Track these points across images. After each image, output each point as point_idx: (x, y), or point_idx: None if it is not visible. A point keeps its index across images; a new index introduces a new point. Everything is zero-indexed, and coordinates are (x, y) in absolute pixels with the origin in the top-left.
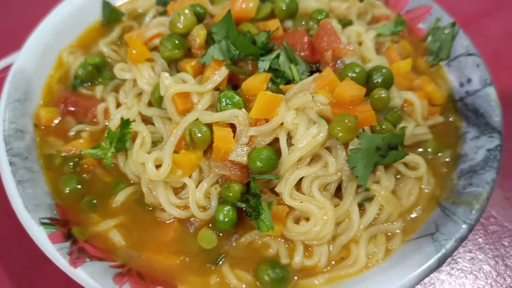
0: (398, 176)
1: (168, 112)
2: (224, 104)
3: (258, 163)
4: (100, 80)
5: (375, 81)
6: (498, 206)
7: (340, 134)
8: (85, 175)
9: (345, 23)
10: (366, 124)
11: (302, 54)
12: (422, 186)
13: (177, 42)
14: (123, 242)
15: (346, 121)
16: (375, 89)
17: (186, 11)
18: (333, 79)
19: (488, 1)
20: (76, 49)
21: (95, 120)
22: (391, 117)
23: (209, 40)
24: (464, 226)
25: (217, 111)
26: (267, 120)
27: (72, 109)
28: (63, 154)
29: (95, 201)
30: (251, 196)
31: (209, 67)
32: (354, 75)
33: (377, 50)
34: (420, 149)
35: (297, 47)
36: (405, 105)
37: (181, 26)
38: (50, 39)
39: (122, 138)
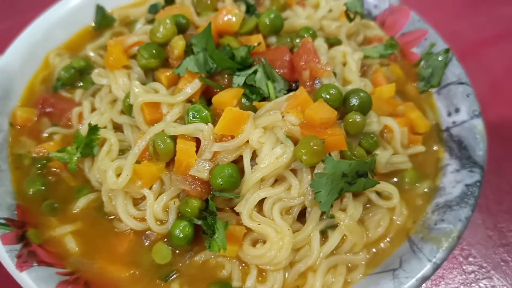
0: (368, 205)
1: (136, 120)
2: (191, 117)
3: (219, 180)
4: (82, 83)
5: (352, 105)
6: (479, 245)
7: (304, 157)
8: (51, 178)
9: (333, 42)
10: (335, 149)
11: (282, 71)
12: (394, 217)
13: (154, 51)
14: (77, 249)
15: (312, 144)
16: (350, 113)
17: (167, 21)
18: (306, 99)
19: (489, 31)
20: (64, 51)
21: (70, 123)
22: (366, 143)
23: (189, 51)
24: (428, 265)
25: (185, 124)
26: (233, 137)
27: (49, 110)
28: (33, 155)
29: (56, 205)
30: (208, 214)
31: (183, 79)
32: (328, 96)
33: (364, 73)
34: (396, 179)
35: (277, 64)
36: (385, 131)
37: (160, 36)
38: (39, 40)
39: (90, 144)
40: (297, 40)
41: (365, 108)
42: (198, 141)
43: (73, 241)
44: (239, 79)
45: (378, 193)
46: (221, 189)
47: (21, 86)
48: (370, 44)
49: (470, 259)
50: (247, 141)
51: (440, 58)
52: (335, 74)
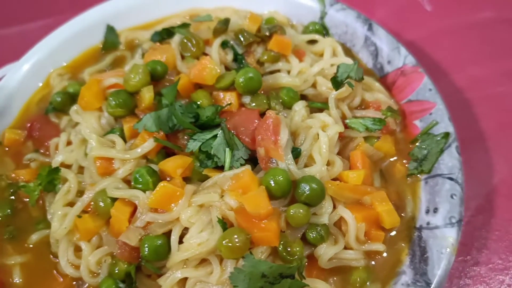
0: None
1: (89, 171)
2: (134, 180)
3: (146, 251)
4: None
5: (300, 194)
6: None
7: (223, 250)
8: (18, 204)
9: (319, 107)
10: (264, 244)
11: (245, 138)
12: None
13: (121, 100)
14: (20, 281)
15: (235, 238)
16: (293, 205)
17: (139, 70)
18: (247, 184)
19: None
20: (66, 71)
21: (48, 152)
22: (310, 236)
23: (159, 101)
24: None
25: (132, 183)
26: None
27: (35, 134)
28: (8, 181)
29: (15, 232)
30: (128, 281)
31: (140, 135)
32: (273, 184)
33: (345, 146)
34: (339, 277)
35: (241, 129)
36: (342, 221)
37: (131, 84)
38: (45, 58)
39: (51, 182)
40: (275, 102)
41: (314, 200)
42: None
43: (19, 273)
44: (194, 144)
45: None
46: (147, 259)
47: (19, 104)
48: (367, 109)
49: None
50: (179, 218)
51: (437, 141)
52: (299, 151)
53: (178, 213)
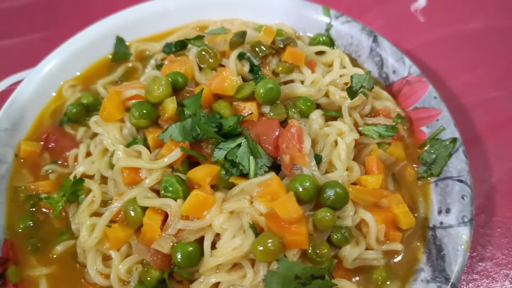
0: None
1: (116, 181)
2: (163, 189)
3: (179, 257)
4: (86, 120)
5: (326, 198)
6: None
7: (257, 254)
8: (39, 216)
9: (333, 115)
10: (295, 247)
11: (267, 146)
12: None
13: (145, 111)
14: None
15: (269, 242)
16: (321, 209)
17: (162, 82)
18: (276, 190)
19: None
20: (78, 82)
21: (66, 163)
22: (335, 238)
23: (182, 111)
24: None
25: (160, 192)
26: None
27: (51, 146)
28: (28, 192)
29: (39, 244)
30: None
31: (166, 145)
32: (301, 189)
33: (360, 151)
34: (362, 276)
35: (263, 138)
36: (362, 223)
37: (154, 95)
38: (56, 69)
39: (75, 192)
40: (293, 111)
41: (339, 204)
42: (167, 215)
43: (45, 284)
44: (220, 153)
45: None
46: (180, 265)
47: (32, 117)
48: (377, 116)
49: None
50: (211, 224)
51: (445, 146)
52: (320, 157)
53: (211, 220)
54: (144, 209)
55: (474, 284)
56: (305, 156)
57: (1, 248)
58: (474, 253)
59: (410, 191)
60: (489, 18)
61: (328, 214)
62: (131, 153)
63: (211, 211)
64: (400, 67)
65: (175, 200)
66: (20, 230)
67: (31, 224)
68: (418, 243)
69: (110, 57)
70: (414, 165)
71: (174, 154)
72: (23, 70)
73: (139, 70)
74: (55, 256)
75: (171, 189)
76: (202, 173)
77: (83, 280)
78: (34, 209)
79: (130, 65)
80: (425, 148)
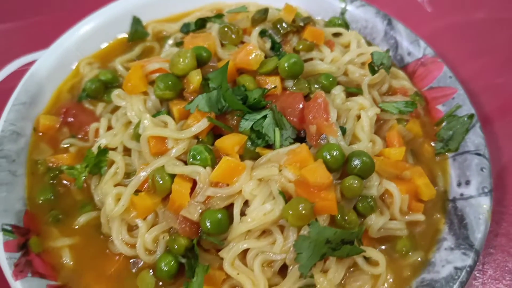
0: (352, 269)
1: (142, 151)
2: (191, 157)
3: (208, 224)
4: (105, 96)
5: (353, 167)
6: None
7: (290, 218)
8: (60, 189)
9: (353, 91)
10: (325, 213)
11: (292, 119)
12: (377, 285)
13: (170, 83)
14: (71, 263)
15: (300, 207)
16: (348, 177)
17: (187, 55)
18: (305, 157)
19: None
20: (95, 60)
21: (87, 137)
22: (362, 207)
23: (205, 85)
24: None
25: (187, 161)
26: (228, 184)
27: (70, 120)
28: (48, 164)
29: (60, 216)
30: (191, 255)
31: (192, 115)
32: (329, 157)
33: (380, 127)
34: (387, 245)
35: (288, 111)
36: (386, 194)
37: (179, 68)
38: (73, 48)
39: (98, 164)
40: (316, 86)
41: (366, 172)
42: (195, 181)
43: (69, 255)
44: (246, 123)
45: (366, 257)
46: (209, 232)
47: (49, 92)
48: (394, 95)
49: None
50: (241, 191)
51: (463, 123)
52: (344, 130)
53: (240, 186)
54: (173, 177)
55: (490, 257)
56: (332, 124)
57: (22, 219)
58: (489, 229)
59: (429, 166)
60: (490, 10)
61: (356, 181)
62: (157, 123)
63: (241, 178)
64: (414, 49)
65: (204, 168)
66: (40, 202)
67: (52, 197)
68: (439, 215)
69: (127, 36)
70: (432, 143)
71: (202, 124)
72: (35, 51)
73: (156, 49)
74: (77, 227)
75: (199, 157)
76: (231, 141)
77: (107, 250)
78: (54, 181)
79: (147, 44)
80: (442, 125)
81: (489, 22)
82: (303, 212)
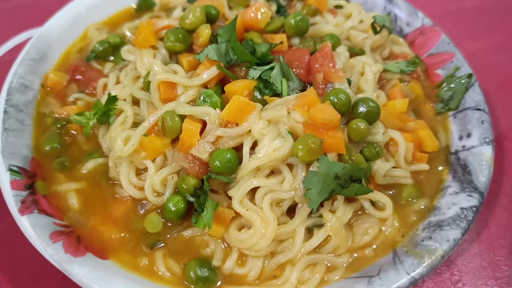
0: (360, 212)
1: (152, 97)
2: (202, 100)
3: (217, 163)
4: (113, 58)
5: (359, 112)
6: (471, 273)
7: (300, 153)
8: (67, 138)
9: (356, 52)
10: (333, 151)
11: (298, 71)
12: (383, 228)
13: (180, 36)
14: (77, 206)
15: (310, 141)
16: (355, 120)
17: (197, 9)
18: (313, 99)
19: None
20: (104, 26)
21: (95, 92)
22: (368, 152)
23: (214, 41)
24: (405, 278)
25: (197, 104)
26: (237, 125)
27: (79, 77)
28: (55, 115)
29: (67, 163)
30: (201, 192)
31: (202, 65)
32: (336, 100)
33: (382, 86)
34: (393, 191)
35: (295, 64)
36: (391, 143)
37: (188, 22)
38: (82, 13)
39: (107, 112)
40: (320, 45)
41: (372, 117)
42: (204, 124)
43: (75, 198)
44: (254, 72)
45: (372, 202)
46: (218, 171)
47: (58, 52)
48: (394, 60)
49: (459, 285)
50: (250, 130)
51: (462, 82)
52: (350, 81)
53: (250, 126)
54: (182, 119)
55: (491, 216)
56: (339, 70)
57: (29, 164)
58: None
59: (430, 124)
60: None
61: (363, 124)
62: (167, 70)
63: (250, 118)
64: (413, 20)
65: (214, 109)
66: (47, 149)
67: (58, 146)
68: (441, 167)
69: (135, 7)
70: (432, 104)
71: (211, 72)
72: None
73: (163, 18)
74: (84, 171)
75: (209, 100)
76: (240, 85)
77: (116, 195)
78: (61, 131)
79: (155, 13)
80: (442, 86)
81: (480, 8)
82: (313, 146)
